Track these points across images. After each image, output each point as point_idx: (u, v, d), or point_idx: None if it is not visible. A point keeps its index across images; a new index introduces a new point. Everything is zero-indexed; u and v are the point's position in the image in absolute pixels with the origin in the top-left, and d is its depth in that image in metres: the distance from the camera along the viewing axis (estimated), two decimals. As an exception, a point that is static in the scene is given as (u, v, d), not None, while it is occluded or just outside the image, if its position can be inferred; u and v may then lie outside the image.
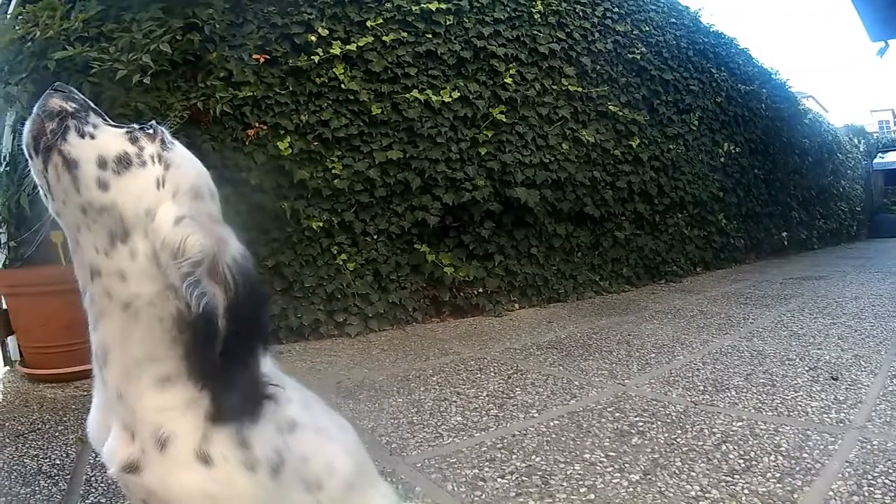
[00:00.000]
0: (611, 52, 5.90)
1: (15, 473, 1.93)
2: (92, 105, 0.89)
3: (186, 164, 0.92)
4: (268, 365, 0.94)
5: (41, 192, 0.87)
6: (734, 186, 7.50)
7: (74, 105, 0.85)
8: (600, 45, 5.78)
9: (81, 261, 0.87)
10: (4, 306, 3.39)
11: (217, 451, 0.83)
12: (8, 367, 3.44)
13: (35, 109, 0.85)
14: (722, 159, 7.30)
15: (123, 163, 0.84)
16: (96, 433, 0.93)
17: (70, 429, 2.33)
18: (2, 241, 3.52)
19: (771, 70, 9.08)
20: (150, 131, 0.89)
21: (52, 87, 0.86)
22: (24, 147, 0.85)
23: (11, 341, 3.44)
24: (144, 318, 0.84)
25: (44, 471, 1.94)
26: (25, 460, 2.03)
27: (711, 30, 7.61)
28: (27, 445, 2.17)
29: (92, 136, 0.84)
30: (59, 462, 2.00)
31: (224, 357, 0.80)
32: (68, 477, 1.87)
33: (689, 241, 6.74)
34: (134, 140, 0.87)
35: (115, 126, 0.89)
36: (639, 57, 6.14)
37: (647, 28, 6.39)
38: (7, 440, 2.24)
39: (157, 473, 0.83)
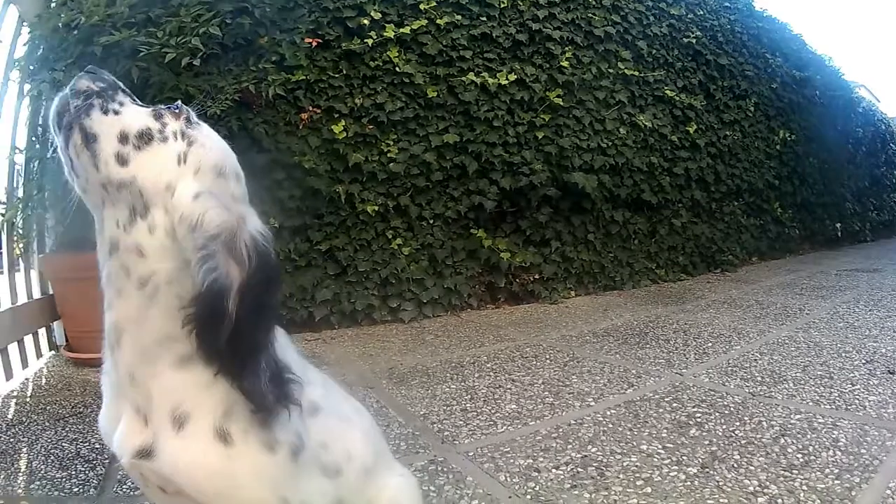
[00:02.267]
0: (666, 36, 5.56)
1: (52, 457, 1.88)
2: (122, 86, 0.87)
3: (211, 143, 0.88)
4: (288, 347, 0.91)
5: (66, 172, 0.84)
6: (789, 175, 7.05)
7: (102, 84, 0.84)
8: (655, 28, 5.44)
9: (103, 238, 0.83)
10: (51, 291, 3.34)
11: (237, 429, 0.78)
12: (53, 352, 3.38)
13: (65, 90, 0.84)
14: (778, 147, 6.86)
15: (145, 138, 0.81)
16: (106, 428, 0.87)
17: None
18: (48, 227, 3.45)
19: (824, 57, 8.57)
20: (176, 110, 0.87)
21: (83, 70, 0.86)
22: (50, 125, 0.84)
23: (58, 326, 3.38)
24: (163, 296, 0.80)
25: (82, 455, 1.89)
26: (64, 444, 1.98)
27: (764, 14, 7.16)
28: (67, 429, 2.12)
29: (116, 113, 0.82)
30: (98, 446, 1.94)
31: (235, 339, 0.74)
32: (106, 461, 1.82)
33: (744, 230, 6.36)
34: (158, 117, 0.84)
35: (142, 105, 0.87)
36: (694, 41, 5.78)
37: (702, 12, 6.01)
38: (47, 423, 2.20)
39: (172, 454, 0.78)
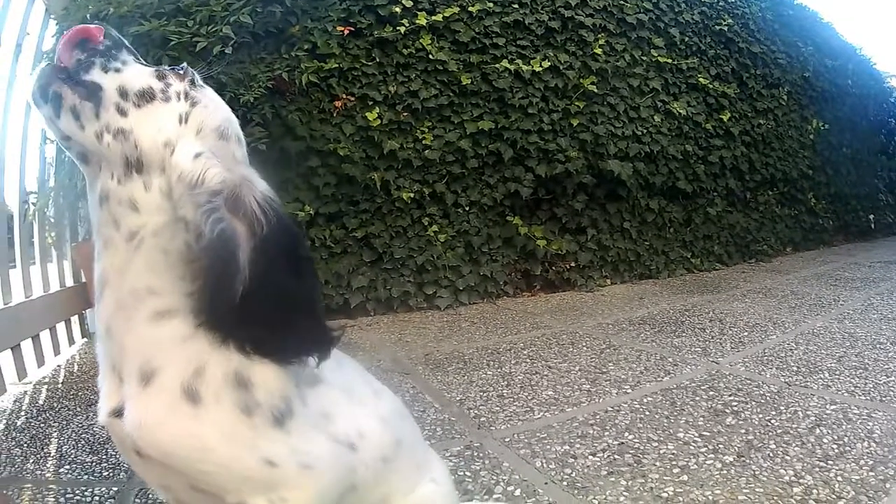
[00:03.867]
0: (698, 24, 5.40)
1: (82, 441, 1.87)
2: (127, 45, 0.84)
3: (214, 105, 0.85)
4: None
5: (49, 122, 0.78)
6: (823, 165, 6.83)
7: (107, 42, 0.80)
8: (687, 15, 5.29)
9: (93, 191, 0.79)
10: (83, 279, 3.32)
11: (208, 389, 0.73)
12: (86, 339, 3.37)
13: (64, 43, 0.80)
14: (811, 136, 6.65)
15: (146, 97, 0.78)
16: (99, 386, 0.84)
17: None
18: (81, 215, 3.44)
19: (855, 46, 8.32)
20: (181, 71, 0.83)
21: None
22: (43, 78, 0.77)
23: (90, 314, 3.36)
24: (147, 248, 0.76)
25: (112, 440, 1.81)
26: (95, 429, 1.95)
27: (795, 2, 6.96)
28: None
29: (117, 70, 0.79)
30: None
31: (253, 298, 0.69)
32: None
33: (779, 220, 6.18)
34: (161, 77, 0.81)
35: (146, 65, 0.83)
36: (726, 28, 5.61)
37: (733, -1, 5.85)
38: (78, 408, 2.19)
39: (137, 412, 0.73)
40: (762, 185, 6.01)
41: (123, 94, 0.77)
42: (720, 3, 5.67)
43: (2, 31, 2.65)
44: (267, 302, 0.71)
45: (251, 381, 0.74)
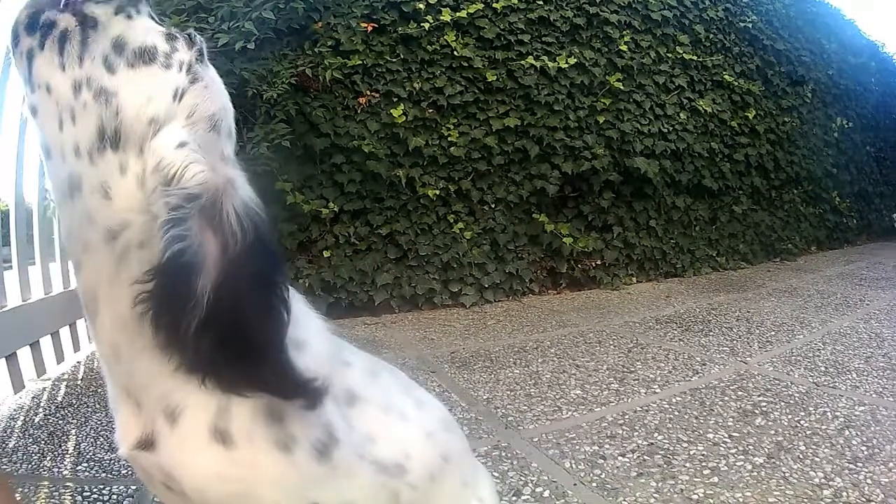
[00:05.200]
0: (722, 20, 5.29)
1: (101, 439, 1.82)
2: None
3: (214, 87, 0.71)
4: (307, 318, 0.75)
5: (24, 60, 0.65)
6: (847, 163, 6.69)
7: None
8: (711, 12, 5.17)
9: (59, 170, 0.65)
10: None
11: (238, 428, 0.63)
12: None
13: None
14: (835, 134, 6.51)
15: (145, 56, 0.65)
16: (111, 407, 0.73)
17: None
18: None
19: (878, 43, 8.16)
20: (191, 38, 0.70)
21: None
22: (37, 5, 0.65)
23: None
24: (135, 262, 0.62)
25: None
26: (114, 426, 1.82)
27: (817, -1, 6.85)
28: None
29: (128, 16, 0.67)
30: None
31: (213, 326, 0.56)
32: None
33: (803, 219, 6.06)
34: (170, 38, 0.68)
35: (158, 21, 0.71)
36: (750, 25, 5.49)
37: (756, -5, 5.73)
38: (97, 405, 2.14)
39: (172, 453, 0.64)
40: (787, 183, 5.89)
41: (119, 45, 0.64)
42: (744, 0, 5.55)
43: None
44: (224, 338, 0.58)
45: (284, 413, 0.65)
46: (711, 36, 5.17)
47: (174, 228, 0.57)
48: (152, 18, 0.70)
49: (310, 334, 0.73)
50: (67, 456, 1.71)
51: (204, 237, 0.58)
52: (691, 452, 1.60)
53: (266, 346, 0.60)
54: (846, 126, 6.70)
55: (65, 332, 2.83)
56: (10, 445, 1.80)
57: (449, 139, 3.82)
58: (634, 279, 4.44)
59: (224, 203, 0.60)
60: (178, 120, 0.65)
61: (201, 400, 0.63)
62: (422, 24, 3.80)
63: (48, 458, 1.69)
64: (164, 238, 0.57)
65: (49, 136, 0.64)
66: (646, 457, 1.58)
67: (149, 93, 0.64)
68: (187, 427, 0.63)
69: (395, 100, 3.75)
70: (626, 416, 1.87)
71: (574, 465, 1.55)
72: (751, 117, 5.31)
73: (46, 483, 1.54)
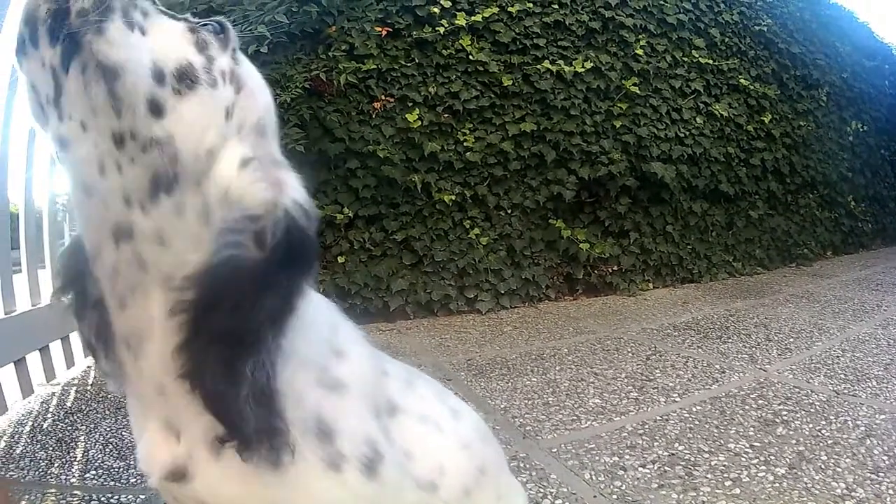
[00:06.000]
0: (737, 24, 5.22)
1: (110, 446, 1.80)
2: None
3: (258, 87, 0.64)
4: (359, 341, 0.70)
5: (32, 100, 0.55)
6: (862, 167, 6.59)
7: None
8: (727, 16, 5.11)
9: (96, 215, 0.57)
10: None
11: (288, 447, 0.57)
12: None
13: None
14: (850, 138, 6.43)
15: (187, 79, 0.55)
16: (137, 437, 0.68)
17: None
18: None
19: (892, 46, 8.06)
20: (220, 34, 0.60)
21: None
22: (21, 24, 0.53)
23: None
24: None
25: None
26: (123, 433, 1.88)
27: (831, 2, 6.74)
28: (127, 418, 1.99)
29: (143, 31, 0.54)
30: None
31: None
32: None
33: (819, 224, 5.98)
34: (202, 46, 0.58)
35: (170, 14, 0.59)
36: (765, 29, 5.42)
37: (771, -1, 5.67)
38: (107, 411, 2.12)
39: (212, 483, 0.59)
40: (802, 187, 5.82)
41: (159, 75, 0.53)
42: (759, 3, 5.49)
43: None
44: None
45: (333, 430, 0.61)
46: (727, 40, 5.11)
47: (229, 236, 0.54)
48: (156, 4, 0.59)
49: (349, 343, 0.69)
50: (75, 463, 1.69)
51: (249, 246, 0.55)
52: (712, 463, 1.58)
53: (250, 341, 0.54)
54: (861, 129, 6.62)
55: (75, 337, 2.78)
56: (18, 451, 1.78)
57: (465, 144, 3.78)
58: (651, 285, 4.38)
59: (274, 218, 0.56)
60: (232, 139, 0.58)
61: None
62: (437, 29, 3.76)
63: (56, 465, 1.67)
64: (219, 243, 0.54)
65: (87, 178, 0.56)
66: (666, 468, 1.56)
67: (203, 123, 0.56)
68: (233, 451, 0.58)
69: (410, 104, 3.71)
70: (646, 426, 1.84)
71: (594, 477, 1.53)
72: (766, 121, 5.25)
73: (54, 490, 1.52)
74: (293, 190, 0.59)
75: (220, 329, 0.53)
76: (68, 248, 0.68)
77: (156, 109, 0.53)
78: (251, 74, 0.63)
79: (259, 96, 0.63)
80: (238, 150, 0.58)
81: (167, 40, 0.56)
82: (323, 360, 0.65)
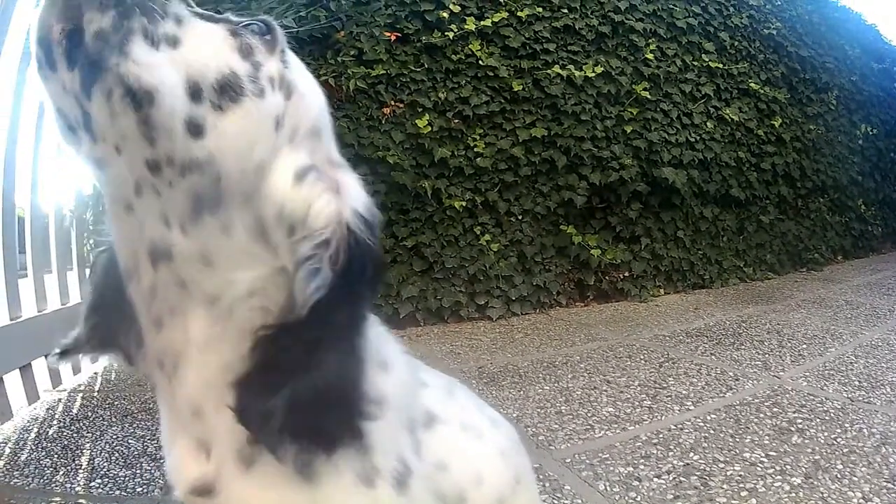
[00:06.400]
0: (747, 28, 5.21)
1: (116, 454, 1.78)
2: None
3: (310, 89, 0.59)
4: (398, 352, 0.68)
5: (60, 123, 0.51)
6: (871, 171, 6.57)
7: None
8: (736, 19, 5.10)
9: (132, 235, 0.54)
10: None
11: (324, 461, 0.54)
12: None
13: None
14: (860, 141, 6.41)
15: (231, 91, 0.50)
16: (166, 449, 0.65)
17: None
18: None
19: (899, 48, 8.03)
20: (267, 36, 0.55)
21: None
22: (35, 45, 0.48)
23: None
24: (243, 312, 0.54)
25: (149, 453, 1.78)
26: (130, 441, 1.88)
27: (838, 4, 6.76)
28: (134, 426, 2.02)
29: (173, 43, 0.49)
30: None
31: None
32: None
33: (829, 228, 5.95)
34: (246, 52, 0.53)
35: (207, 17, 0.54)
36: (775, 32, 5.40)
37: (779, 2, 5.62)
38: (114, 419, 2.10)
39: (239, 497, 0.56)
40: (813, 192, 5.80)
41: (196, 92, 0.49)
42: (767, 7, 5.47)
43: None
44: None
45: (371, 444, 0.58)
46: (736, 43, 5.09)
47: (316, 277, 0.51)
48: (190, 6, 0.54)
49: (392, 355, 0.67)
50: (81, 471, 1.67)
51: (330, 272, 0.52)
52: (728, 473, 1.57)
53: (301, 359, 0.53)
54: (870, 133, 6.60)
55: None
56: (23, 458, 1.77)
57: (475, 150, 3.76)
58: (662, 291, 4.36)
59: (345, 236, 0.53)
60: (284, 149, 0.55)
61: None
62: (446, 34, 3.75)
63: (61, 473, 1.66)
64: (308, 287, 0.51)
65: (123, 197, 0.53)
66: (682, 478, 1.54)
67: (249, 138, 0.52)
68: (266, 465, 0.55)
69: (419, 110, 3.70)
70: (661, 435, 1.83)
71: (609, 488, 1.51)
72: (777, 125, 5.23)
73: (58, 499, 1.51)
74: (354, 196, 0.56)
75: (293, 365, 0.51)
76: (102, 263, 0.67)
77: (194, 130, 0.49)
78: (302, 75, 0.59)
79: (312, 98, 0.59)
80: (292, 160, 0.55)
81: (205, 49, 0.51)
82: (370, 372, 0.64)
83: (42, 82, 0.50)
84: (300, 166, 0.55)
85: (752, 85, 5.07)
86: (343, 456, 0.56)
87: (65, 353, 0.68)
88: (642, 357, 2.75)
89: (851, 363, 2.52)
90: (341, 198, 0.55)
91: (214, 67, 0.51)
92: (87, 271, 3.02)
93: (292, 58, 0.59)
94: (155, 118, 0.47)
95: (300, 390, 0.50)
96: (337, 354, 0.53)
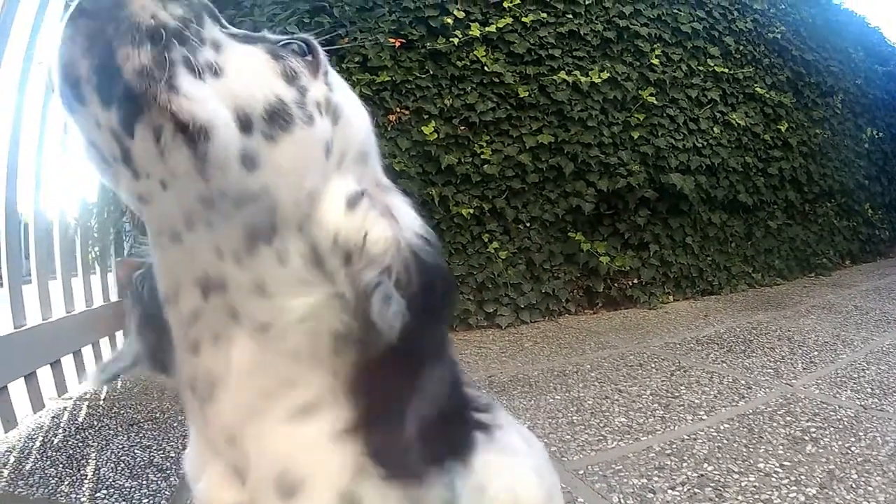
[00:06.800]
0: (751, 32, 5.20)
1: (122, 464, 1.77)
2: (207, 2, 0.49)
3: (356, 111, 0.58)
4: None
5: (92, 155, 0.48)
6: (878, 174, 6.57)
7: (180, 12, 0.46)
8: (740, 23, 5.09)
9: (179, 265, 0.53)
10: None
11: (372, 492, 0.52)
12: None
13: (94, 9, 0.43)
14: (866, 145, 6.41)
15: (280, 119, 0.49)
16: (192, 471, 0.62)
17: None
18: (126, 230, 3.33)
19: (903, 50, 8.04)
20: (309, 56, 0.54)
21: None
22: (59, 79, 0.44)
23: None
24: (293, 339, 0.53)
25: (155, 463, 1.78)
26: (136, 451, 1.87)
27: (841, 7, 6.76)
28: (140, 435, 2.01)
29: (217, 72, 0.46)
30: (173, 455, 1.82)
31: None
32: (181, 471, 1.62)
33: (837, 232, 5.94)
34: (291, 77, 0.51)
35: (243, 38, 0.52)
36: (779, 36, 5.40)
37: (783, 6, 5.61)
38: (119, 429, 2.09)
39: None
40: (820, 196, 5.78)
41: (247, 124, 0.47)
42: (771, 11, 5.47)
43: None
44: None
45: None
46: (741, 48, 5.08)
47: (392, 307, 0.50)
48: (225, 28, 0.52)
49: None
50: (86, 481, 1.66)
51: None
52: (743, 484, 1.55)
53: (409, 389, 0.53)
54: (876, 136, 6.60)
55: (87, 351, 2.77)
56: (28, 468, 1.76)
57: (482, 157, 3.75)
58: (671, 297, 4.34)
59: (405, 257, 0.53)
60: (333, 175, 0.54)
61: (331, 466, 0.53)
62: (451, 40, 3.74)
63: (66, 483, 1.65)
64: (388, 315, 0.50)
65: (171, 228, 0.51)
66: (696, 489, 1.53)
67: (301, 166, 0.51)
68: (309, 498, 0.53)
69: (425, 117, 3.69)
70: (674, 446, 1.82)
71: (622, 500, 1.50)
72: (783, 130, 5.21)
73: None
74: (409, 220, 0.56)
75: (402, 394, 0.51)
76: (144, 282, 0.65)
77: (249, 163, 0.48)
78: (347, 97, 0.58)
79: (359, 121, 0.59)
80: (342, 186, 0.54)
81: (249, 76, 0.49)
82: None
83: (69, 115, 0.47)
84: (350, 192, 0.54)
85: (758, 89, 5.06)
86: (391, 487, 0.54)
87: (120, 372, 0.67)
88: (653, 365, 2.73)
89: (863, 370, 2.51)
90: (397, 223, 0.54)
91: (261, 96, 0.49)
92: (111, 282, 2.96)
93: (335, 78, 0.57)
94: (210, 154, 0.46)
95: (424, 417, 0.51)
96: (438, 374, 0.53)
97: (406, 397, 0.51)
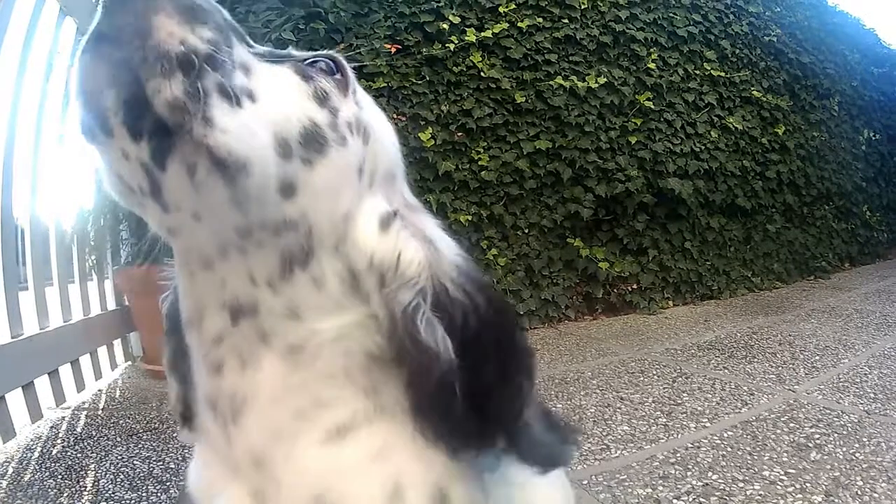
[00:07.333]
0: (747, 35, 5.24)
1: (122, 476, 1.75)
2: (227, 17, 0.47)
3: (384, 129, 0.59)
4: None
5: (116, 185, 0.47)
6: (875, 176, 6.61)
7: (209, 35, 0.43)
8: (736, 27, 5.13)
9: (208, 291, 0.52)
10: (127, 303, 3.21)
11: None
12: (130, 362, 3.24)
13: (111, 33, 0.41)
14: (863, 147, 6.45)
15: (315, 143, 0.48)
16: (203, 490, 0.60)
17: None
18: (123, 238, 3.31)
19: (899, 52, 8.09)
20: (338, 75, 0.54)
21: None
22: (81, 108, 0.42)
23: (134, 337, 3.27)
24: (326, 360, 0.53)
25: (154, 475, 1.75)
26: (136, 462, 1.85)
27: (837, 9, 6.79)
28: (140, 446, 1.99)
29: (252, 97, 0.45)
30: (172, 466, 1.80)
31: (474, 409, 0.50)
32: (181, 483, 1.62)
33: (835, 235, 5.97)
34: (322, 98, 0.51)
35: (268, 56, 0.51)
36: (775, 39, 5.44)
37: (779, 9, 5.66)
38: (118, 439, 2.06)
39: None
40: (818, 199, 5.81)
41: (285, 150, 0.47)
42: (767, 14, 5.51)
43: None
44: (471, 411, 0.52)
45: (450, 497, 0.55)
46: (737, 51, 5.11)
47: (432, 330, 0.50)
48: (252, 48, 0.51)
49: None
50: (86, 493, 1.65)
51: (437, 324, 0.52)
52: (748, 492, 1.54)
53: (514, 415, 0.56)
54: (873, 138, 6.65)
55: (85, 360, 2.76)
56: (26, 479, 1.74)
57: (479, 163, 3.75)
58: (671, 303, 4.34)
59: (441, 277, 0.53)
60: (366, 194, 0.54)
61: (369, 486, 0.52)
62: (446, 45, 3.75)
63: (65, 495, 1.63)
64: (433, 337, 0.50)
65: (202, 257, 0.51)
66: (702, 499, 1.52)
67: (336, 188, 0.51)
68: None
69: (422, 123, 3.69)
70: (678, 454, 1.81)
71: None
72: (780, 133, 5.24)
73: None
74: (443, 241, 0.56)
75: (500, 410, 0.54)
76: (171, 303, 0.64)
77: (287, 191, 0.47)
78: (375, 115, 0.59)
79: (388, 140, 0.60)
80: (374, 206, 0.54)
81: (282, 100, 0.48)
82: None
83: (92, 145, 0.45)
84: (383, 213, 0.54)
85: (755, 93, 5.09)
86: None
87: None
88: (655, 372, 2.72)
89: (865, 374, 2.50)
90: (429, 244, 0.54)
91: (296, 120, 0.48)
92: (108, 291, 2.93)
93: (363, 96, 0.58)
94: (248, 188, 0.45)
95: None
96: (518, 370, 0.56)
97: (501, 413, 0.53)
